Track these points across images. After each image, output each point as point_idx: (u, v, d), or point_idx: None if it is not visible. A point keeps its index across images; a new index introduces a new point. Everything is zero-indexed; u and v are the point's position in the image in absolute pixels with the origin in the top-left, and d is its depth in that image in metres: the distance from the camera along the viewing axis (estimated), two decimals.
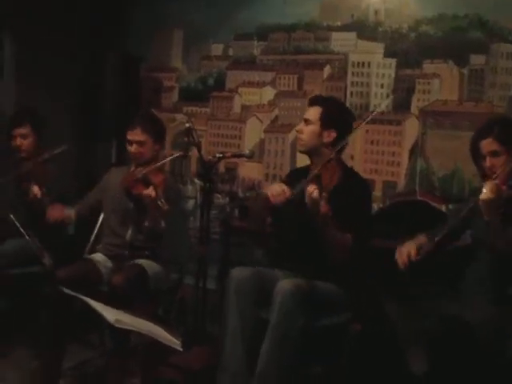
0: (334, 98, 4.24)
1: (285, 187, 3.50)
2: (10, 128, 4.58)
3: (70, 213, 4.24)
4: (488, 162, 3.28)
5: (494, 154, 3.27)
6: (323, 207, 3.28)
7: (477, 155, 3.39)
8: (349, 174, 3.68)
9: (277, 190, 3.50)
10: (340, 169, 3.51)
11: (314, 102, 3.81)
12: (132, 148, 4.14)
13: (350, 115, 3.93)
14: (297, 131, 3.80)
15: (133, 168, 4.22)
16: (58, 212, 4.17)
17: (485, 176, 3.31)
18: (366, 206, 3.76)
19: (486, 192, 3.04)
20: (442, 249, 3.28)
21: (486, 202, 3.04)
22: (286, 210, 3.55)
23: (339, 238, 3.43)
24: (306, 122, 3.73)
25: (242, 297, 3.49)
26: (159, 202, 3.72)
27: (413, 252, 3.28)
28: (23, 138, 4.55)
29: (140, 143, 4.13)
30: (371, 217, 3.92)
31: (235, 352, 3.46)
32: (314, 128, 3.70)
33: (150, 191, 3.76)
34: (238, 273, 3.57)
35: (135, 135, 4.13)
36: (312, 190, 3.28)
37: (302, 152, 3.82)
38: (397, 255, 3.35)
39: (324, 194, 3.27)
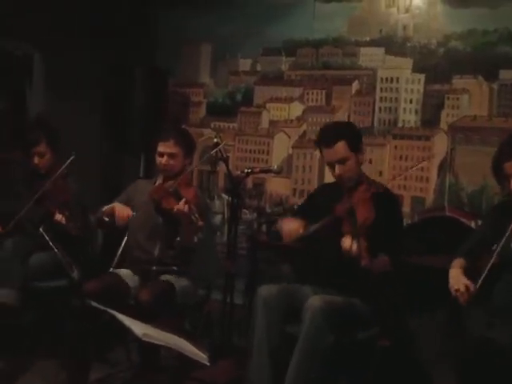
0: (344, 123, 4.25)
1: (302, 224, 3.51)
2: (26, 147, 4.58)
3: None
4: None
5: None
6: (364, 260, 3.25)
7: (500, 175, 3.34)
8: (379, 193, 3.58)
9: (292, 226, 3.52)
10: (371, 192, 3.49)
11: (331, 140, 3.62)
12: (163, 160, 4.10)
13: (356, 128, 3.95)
14: (339, 175, 3.63)
15: (160, 181, 4.21)
16: (126, 212, 4.05)
17: (509, 195, 3.26)
18: (400, 224, 3.73)
19: None
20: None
21: None
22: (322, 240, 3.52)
23: (379, 267, 3.39)
24: (341, 160, 3.60)
25: (270, 314, 3.48)
26: (193, 217, 3.70)
27: (471, 286, 3.11)
28: (41, 157, 4.54)
29: (172, 155, 4.10)
30: (404, 233, 3.87)
31: (262, 368, 3.46)
32: (351, 161, 3.62)
33: (183, 206, 3.75)
34: (265, 291, 3.55)
35: (167, 147, 4.10)
36: (349, 244, 3.26)
37: (351, 186, 3.66)
38: (455, 294, 3.14)
39: (363, 245, 3.23)
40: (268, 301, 3.50)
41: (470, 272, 3.20)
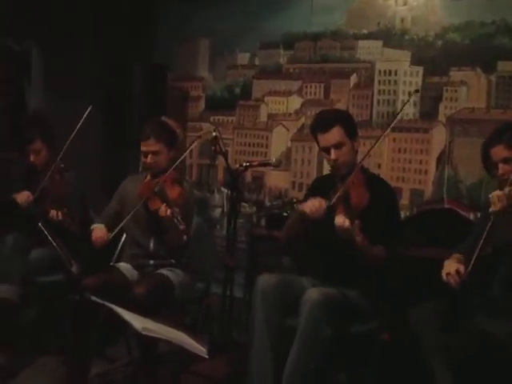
0: (338, 109, 4.24)
1: (322, 201, 3.47)
2: (22, 145, 4.58)
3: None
4: (500, 170, 3.24)
5: (505, 160, 3.23)
6: (359, 239, 3.26)
7: (488, 163, 3.35)
8: (374, 181, 3.63)
9: (315, 206, 3.47)
10: (365, 178, 3.50)
11: (328, 125, 3.62)
12: (147, 159, 4.09)
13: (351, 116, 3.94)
14: (334, 160, 3.62)
15: (148, 177, 4.19)
16: (102, 235, 4.05)
17: (500, 183, 3.27)
18: (396, 213, 3.74)
19: (495, 203, 3.06)
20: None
21: (498, 212, 3.04)
22: (318, 226, 3.51)
23: (374, 253, 3.41)
24: (338, 145, 3.60)
25: (268, 304, 3.48)
26: (175, 220, 3.71)
27: (461, 269, 3.16)
28: (36, 154, 4.56)
29: (155, 153, 4.07)
30: (401, 224, 3.87)
31: (262, 359, 3.46)
32: (347, 147, 3.62)
33: (165, 210, 3.75)
34: (264, 280, 3.56)
35: (150, 146, 4.07)
36: (342, 220, 3.26)
37: (345, 173, 3.65)
38: (446, 277, 3.20)
39: (356, 223, 3.23)
40: (266, 290, 3.50)
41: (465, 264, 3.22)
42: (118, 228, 3.98)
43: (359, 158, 3.72)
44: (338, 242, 3.35)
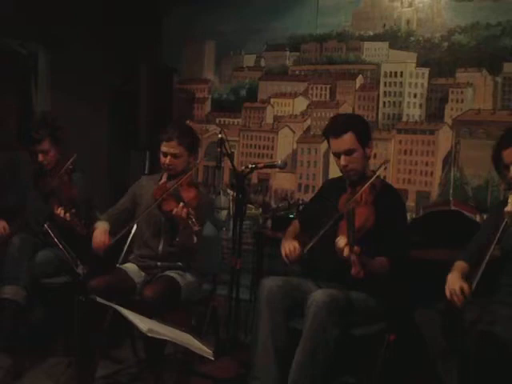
0: (354, 115, 4.27)
1: (297, 246, 3.56)
2: (30, 145, 4.60)
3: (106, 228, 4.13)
4: (511, 172, 3.24)
5: None
6: (355, 269, 3.23)
7: (499, 165, 3.34)
8: (384, 192, 3.63)
9: (290, 250, 3.58)
10: (374, 194, 3.52)
11: (340, 131, 3.64)
12: (166, 160, 4.12)
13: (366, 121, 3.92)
14: (345, 166, 3.64)
15: (164, 179, 4.22)
16: (103, 240, 4.05)
17: (509, 185, 3.26)
18: (403, 224, 3.75)
19: (511, 203, 3.03)
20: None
21: (510, 214, 3.03)
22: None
23: (376, 267, 3.40)
24: (348, 152, 3.62)
25: (273, 306, 3.50)
26: (190, 222, 3.72)
27: (465, 287, 3.11)
28: (45, 154, 4.58)
29: (175, 155, 4.11)
30: (409, 234, 3.85)
31: (266, 361, 3.47)
32: (358, 154, 3.64)
33: (180, 210, 3.76)
34: (268, 282, 3.57)
35: (171, 147, 4.10)
36: (342, 245, 3.25)
37: (355, 180, 3.70)
38: (449, 295, 3.16)
39: (355, 249, 3.18)
40: (271, 293, 3.52)
41: (470, 275, 3.19)
42: (124, 231, 4.00)
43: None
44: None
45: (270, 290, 3.53)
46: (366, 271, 3.26)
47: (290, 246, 3.60)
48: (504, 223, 3.10)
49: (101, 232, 4.06)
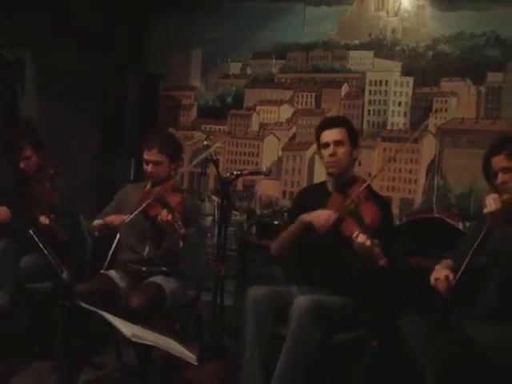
0: (346, 117, 4.32)
1: (331, 213, 3.52)
2: (12, 153, 4.61)
3: None
4: (500, 179, 3.27)
5: (505, 170, 3.27)
6: (380, 259, 3.25)
7: (489, 172, 3.39)
8: (376, 197, 3.64)
9: (324, 217, 3.53)
10: (370, 194, 3.55)
11: (335, 123, 3.80)
12: (148, 167, 4.15)
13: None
14: (330, 155, 3.70)
15: (149, 186, 4.24)
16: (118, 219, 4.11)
17: (496, 192, 3.30)
18: (394, 227, 3.78)
19: (490, 204, 3.07)
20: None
21: (491, 215, 3.06)
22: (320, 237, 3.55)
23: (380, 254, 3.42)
24: (338, 143, 3.70)
25: (259, 316, 3.50)
26: (176, 225, 3.75)
27: (450, 275, 3.17)
28: (27, 160, 4.58)
29: (157, 163, 4.14)
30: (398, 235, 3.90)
31: (253, 370, 3.47)
32: (346, 149, 3.71)
33: (166, 215, 3.78)
34: (254, 292, 3.58)
35: (152, 155, 4.14)
36: (363, 239, 3.27)
37: (334, 175, 3.77)
38: (434, 283, 3.23)
39: (376, 242, 3.24)
40: (257, 302, 3.52)
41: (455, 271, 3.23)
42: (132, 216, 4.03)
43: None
44: (335, 251, 3.41)
45: (256, 299, 3.54)
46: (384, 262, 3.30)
47: (323, 214, 3.56)
48: (486, 227, 3.14)
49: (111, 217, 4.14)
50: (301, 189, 4.83)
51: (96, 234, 4.22)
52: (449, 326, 3.19)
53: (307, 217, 3.62)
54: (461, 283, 3.12)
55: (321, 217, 3.55)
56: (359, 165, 5.38)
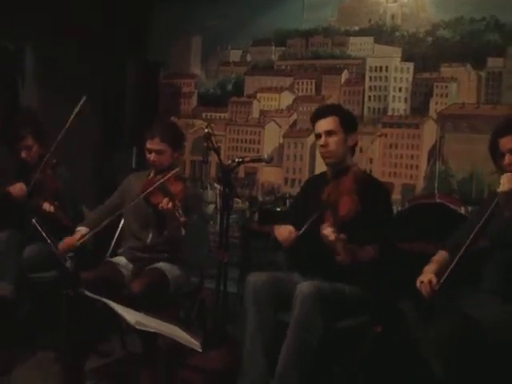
0: (339, 105, 4.36)
1: (292, 230, 3.59)
2: (13, 142, 4.62)
3: (82, 233, 4.21)
4: (507, 160, 3.26)
5: None
6: (340, 257, 3.33)
7: (496, 153, 3.38)
8: (367, 184, 3.65)
9: (285, 235, 3.61)
10: (357, 185, 3.56)
11: (325, 113, 3.81)
12: (151, 156, 4.18)
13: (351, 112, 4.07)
14: (322, 146, 3.74)
15: (152, 174, 4.26)
16: (69, 243, 4.16)
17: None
18: (388, 215, 3.79)
19: (504, 183, 3.07)
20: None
21: (506, 194, 3.06)
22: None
23: (362, 256, 3.45)
24: (329, 133, 3.71)
25: (259, 301, 3.53)
26: (176, 213, 3.76)
27: (434, 280, 3.20)
28: (28, 150, 4.59)
29: (159, 152, 4.16)
30: (394, 223, 3.91)
31: (255, 356, 3.49)
32: (338, 137, 3.72)
33: (167, 203, 3.80)
34: (254, 278, 3.61)
35: (154, 144, 4.16)
36: (328, 232, 3.34)
37: (330, 164, 3.80)
38: (419, 286, 3.25)
39: (341, 237, 3.29)
40: (257, 288, 3.55)
41: (448, 265, 3.24)
42: (94, 232, 4.10)
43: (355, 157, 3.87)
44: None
45: (255, 285, 3.56)
46: (352, 259, 3.35)
47: (284, 230, 3.64)
48: (494, 203, 3.14)
49: (72, 237, 4.18)
50: (309, 177, 4.89)
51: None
52: (446, 310, 3.21)
53: (275, 230, 3.71)
54: (445, 286, 3.14)
55: (282, 234, 3.64)
56: (360, 151, 5.38)
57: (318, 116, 3.81)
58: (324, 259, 3.54)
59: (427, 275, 3.27)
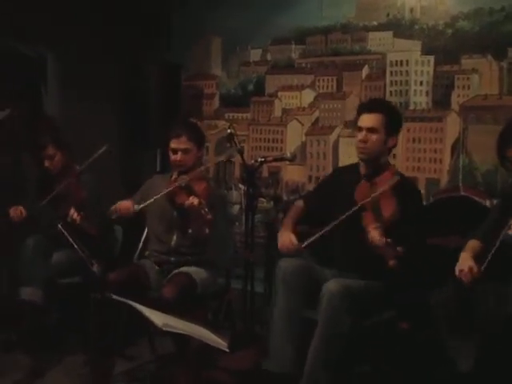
0: (389, 103, 4.27)
1: (294, 240, 3.60)
2: (36, 152, 4.64)
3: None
4: None
5: None
6: (390, 259, 3.21)
7: (504, 161, 3.38)
8: (403, 187, 3.57)
9: (286, 244, 3.63)
10: (394, 186, 3.51)
11: (372, 108, 3.72)
12: (177, 156, 4.17)
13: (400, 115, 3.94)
14: (361, 141, 3.67)
15: (175, 176, 4.26)
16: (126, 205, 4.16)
17: None
18: (421, 215, 3.75)
19: None
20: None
21: None
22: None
23: (392, 254, 3.41)
24: (370, 130, 3.64)
25: (289, 285, 3.53)
26: (202, 211, 3.77)
27: (475, 267, 3.17)
28: (51, 159, 4.60)
29: (186, 151, 4.15)
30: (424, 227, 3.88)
31: (281, 341, 3.49)
32: (379, 136, 3.65)
33: (192, 201, 3.81)
34: (285, 264, 3.61)
35: (181, 143, 4.15)
36: (378, 237, 3.25)
37: (364, 160, 3.75)
38: (458, 274, 3.22)
39: (389, 241, 3.19)
40: (288, 273, 3.55)
41: (482, 254, 3.22)
42: (146, 204, 4.05)
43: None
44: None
45: (286, 270, 3.57)
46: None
47: (286, 240, 3.65)
48: None
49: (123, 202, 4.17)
50: (334, 168, 4.87)
51: (113, 217, 4.24)
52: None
53: (279, 236, 3.74)
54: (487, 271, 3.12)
55: (283, 242, 3.66)
56: None
57: (364, 109, 3.75)
58: (352, 256, 3.54)
59: (466, 262, 3.24)
